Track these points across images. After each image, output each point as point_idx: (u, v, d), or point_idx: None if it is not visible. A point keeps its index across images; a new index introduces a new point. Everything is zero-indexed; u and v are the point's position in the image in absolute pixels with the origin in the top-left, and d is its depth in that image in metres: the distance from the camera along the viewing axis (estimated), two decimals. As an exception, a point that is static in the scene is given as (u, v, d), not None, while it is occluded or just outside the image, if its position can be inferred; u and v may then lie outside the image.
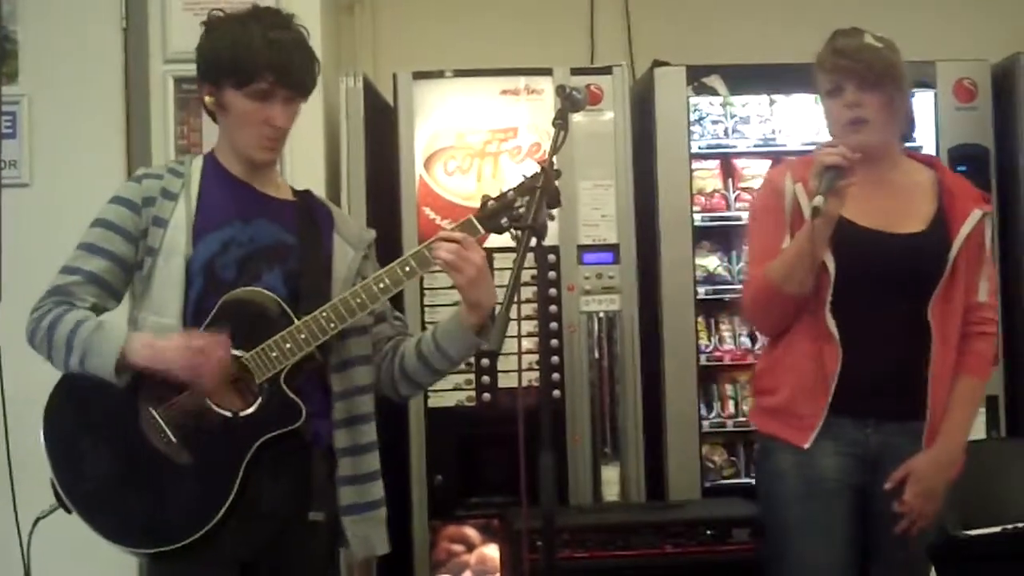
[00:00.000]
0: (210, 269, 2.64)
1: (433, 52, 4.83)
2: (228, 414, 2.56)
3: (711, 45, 4.97)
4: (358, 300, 2.61)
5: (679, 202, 4.37)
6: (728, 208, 4.54)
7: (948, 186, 3.05)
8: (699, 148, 4.50)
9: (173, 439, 2.55)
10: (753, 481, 4.37)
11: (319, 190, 4.06)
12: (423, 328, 3.11)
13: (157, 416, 2.56)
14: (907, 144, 3.16)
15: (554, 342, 4.19)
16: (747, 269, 3.11)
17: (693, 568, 3.70)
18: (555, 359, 4.18)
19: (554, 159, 2.60)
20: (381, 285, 2.62)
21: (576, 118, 2.87)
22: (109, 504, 2.56)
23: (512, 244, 2.60)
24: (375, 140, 4.34)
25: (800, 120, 4.57)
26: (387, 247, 4.10)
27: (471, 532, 4.23)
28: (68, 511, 2.58)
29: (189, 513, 2.53)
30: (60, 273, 2.66)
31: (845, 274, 2.92)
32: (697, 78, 4.42)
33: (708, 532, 3.72)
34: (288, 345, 2.58)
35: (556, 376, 4.18)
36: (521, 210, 2.58)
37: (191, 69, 2.76)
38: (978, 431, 3.43)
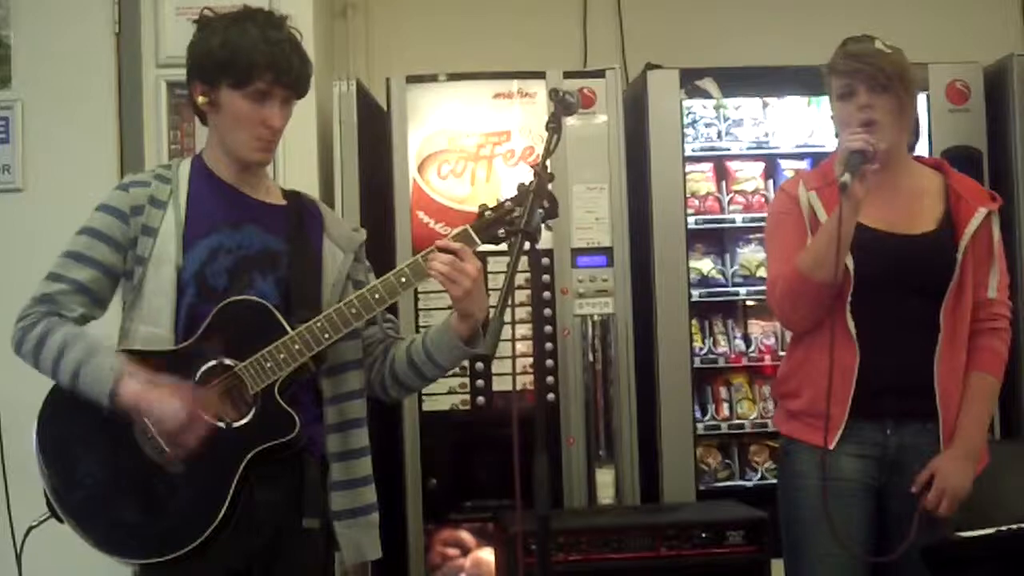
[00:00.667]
0: (201, 278, 2.63)
1: (426, 56, 4.83)
2: (222, 425, 2.55)
3: (704, 48, 4.98)
4: (353, 310, 2.60)
5: (672, 205, 4.37)
6: (722, 211, 4.55)
7: (955, 188, 3.08)
8: (692, 151, 4.50)
9: (166, 448, 2.54)
10: (747, 484, 4.43)
11: (312, 194, 4.08)
12: (416, 331, 3.11)
13: (151, 426, 2.54)
14: (912, 150, 3.19)
15: (548, 345, 4.19)
16: (771, 270, 3.13)
17: (688, 571, 3.69)
18: (549, 362, 4.18)
19: (547, 163, 2.60)
20: (376, 295, 2.61)
21: (569, 121, 2.89)
22: (101, 514, 2.55)
23: (505, 248, 2.59)
24: (368, 144, 4.34)
25: (793, 122, 4.58)
26: (381, 251, 4.10)
27: (466, 535, 4.23)
28: (60, 520, 2.57)
29: (182, 524, 2.52)
30: (46, 280, 2.63)
31: (860, 276, 2.95)
32: (690, 81, 4.42)
33: (703, 535, 3.71)
34: (282, 355, 2.57)
35: (550, 379, 4.18)
36: (517, 220, 2.57)
37: (184, 74, 2.74)
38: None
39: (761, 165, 4.62)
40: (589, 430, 4.22)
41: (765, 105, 4.60)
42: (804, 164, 4.53)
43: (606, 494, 4.20)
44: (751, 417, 4.47)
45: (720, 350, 4.52)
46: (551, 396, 4.17)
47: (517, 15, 5.15)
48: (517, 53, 4.87)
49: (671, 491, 4.29)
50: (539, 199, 2.55)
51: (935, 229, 3.03)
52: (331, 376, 2.72)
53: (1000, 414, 4.26)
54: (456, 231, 2.64)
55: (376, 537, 2.78)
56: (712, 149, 4.57)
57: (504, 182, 4.21)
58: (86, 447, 2.58)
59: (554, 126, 2.62)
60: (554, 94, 2.66)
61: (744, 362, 4.52)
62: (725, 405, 4.51)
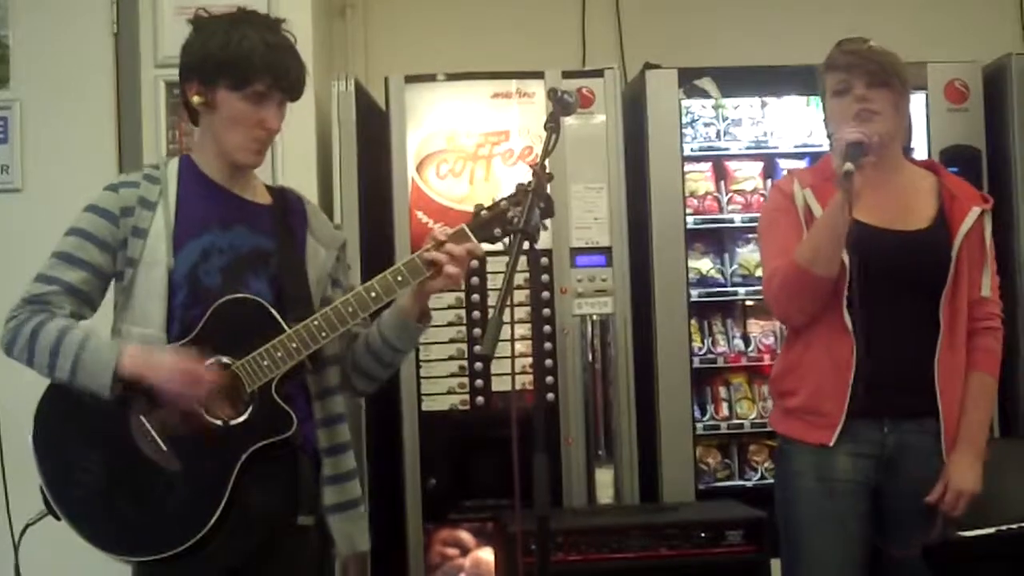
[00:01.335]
0: (194, 278, 2.63)
1: (425, 56, 4.83)
2: (219, 423, 2.56)
3: (702, 48, 4.98)
4: (350, 309, 2.61)
5: (671, 205, 4.37)
6: (720, 210, 4.54)
7: (949, 188, 3.10)
8: (691, 150, 4.50)
9: (163, 446, 2.54)
10: (747, 483, 4.43)
11: (311, 195, 4.07)
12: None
13: (147, 423, 2.55)
14: (906, 152, 3.19)
15: (547, 345, 4.19)
16: (767, 265, 3.13)
17: (687, 570, 3.70)
18: (548, 362, 4.18)
19: (546, 162, 2.60)
20: (373, 294, 2.62)
21: (568, 121, 2.88)
22: (98, 511, 2.55)
23: (505, 248, 2.59)
24: (367, 144, 4.33)
25: (792, 122, 4.57)
26: (380, 250, 4.11)
27: (465, 535, 4.22)
28: (57, 518, 2.57)
29: (179, 521, 2.53)
30: (35, 282, 2.63)
31: (856, 271, 2.95)
32: (689, 80, 4.42)
33: (702, 534, 3.72)
34: (279, 354, 2.57)
35: (549, 379, 4.18)
36: (515, 220, 2.58)
37: (183, 74, 2.75)
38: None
39: (760, 165, 4.62)
40: (588, 430, 4.22)
41: (764, 105, 4.60)
42: (803, 164, 4.52)
43: (605, 494, 4.20)
44: (750, 417, 4.47)
45: (719, 350, 4.52)
46: (550, 396, 4.17)
47: (515, 15, 5.15)
48: (516, 53, 4.88)
49: (670, 491, 4.28)
50: (538, 199, 2.55)
51: (929, 226, 3.04)
52: (315, 372, 2.73)
53: (998, 413, 4.26)
54: (453, 231, 2.65)
55: (366, 529, 2.81)
56: (711, 149, 4.57)
57: (503, 182, 4.21)
58: (82, 444, 2.58)
59: (553, 126, 2.62)
60: (553, 94, 2.66)
61: (743, 362, 4.52)
62: (724, 405, 4.51)
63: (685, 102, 4.45)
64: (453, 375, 4.21)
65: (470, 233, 2.63)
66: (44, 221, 3.79)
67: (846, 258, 2.94)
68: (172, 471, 2.55)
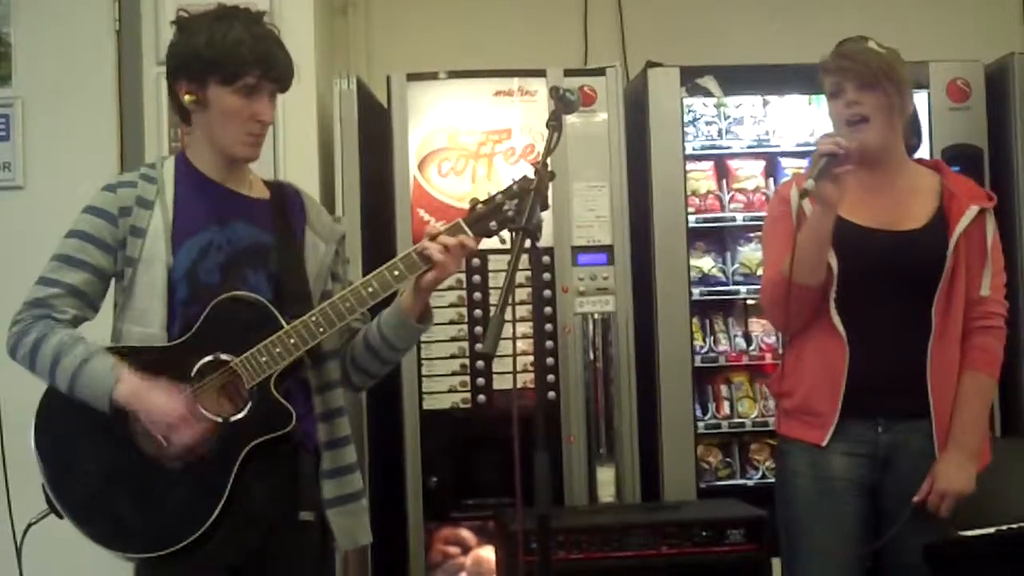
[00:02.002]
0: (193, 276, 2.64)
1: (427, 54, 4.83)
2: (218, 420, 2.56)
3: (705, 46, 4.98)
4: (347, 304, 2.62)
5: (673, 203, 4.37)
6: (722, 209, 4.54)
7: (950, 186, 3.09)
8: (693, 149, 4.49)
9: (164, 443, 2.55)
10: (748, 482, 4.43)
11: (313, 192, 4.07)
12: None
13: (145, 424, 2.55)
14: (911, 150, 3.19)
15: (549, 343, 4.19)
16: (763, 274, 3.17)
17: (688, 569, 3.69)
18: (550, 360, 4.18)
19: (548, 160, 2.60)
20: (370, 289, 2.63)
21: (570, 119, 2.88)
22: (99, 509, 2.56)
23: (507, 246, 2.60)
24: (369, 142, 4.33)
25: (794, 121, 4.57)
26: (381, 248, 4.11)
27: (466, 534, 4.23)
28: (59, 516, 2.58)
29: (180, 518, 2.53)
30: (38, 285, 2.64)
31: (848, 273, 2.97)
32: (691, 79, 4.41)
33: (703, 533, 3.71)
34: (278, 350, 2.58)
35: (551, 377, 4.18)
36: (509, 214, 2.60)
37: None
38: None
39: (762, 163, 4.62)
40: (590, 428, 4.22)
41: (766, 103, 4.60)
42: (805, 163, 4.52)
43: (606, 492, 4.20)
44: (752, 416, 4.47)
45: (721, 348, 4.51)
46: (552, 394, 4.17)
47: (518, 13, 5.15)
48: (518, 51, 4.87)
49: (671, 489, 4.28)
50: (540, 197, 2.55)
51: (924, 225, 3.04)
52: (315, 367, 2.74)
53: (1000, 413, 4.26)
54: (448, 225, 2.66)
55: (367, 522, 2.81)
56: (713, 147, 4.56)
57: (505, 180, 4.16)
58: (84, 443, 2.59)
59: (555, 124, 2.62)
60: (555, 92, 2.67)
61: (745, 360, 4.52)
62: (726, 403, 4.51)
63: (687, 100, 4.44)
64: (454, 373, 4.21)
65: (465, 227, 2.65)
66: (46, 219, 3.80)
67: (833, 261, 2.95)
68: (173, 468, 2.55)
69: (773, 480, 3.28)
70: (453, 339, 4.21)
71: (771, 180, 4.57)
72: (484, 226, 2.64)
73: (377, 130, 4.35)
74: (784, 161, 4.57)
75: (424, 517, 4.20)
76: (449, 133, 4.27)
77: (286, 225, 2.77)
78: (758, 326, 4.54)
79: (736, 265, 4.56)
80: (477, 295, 4.21)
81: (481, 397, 4.21)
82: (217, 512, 2.53)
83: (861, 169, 2.96)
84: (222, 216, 2.70)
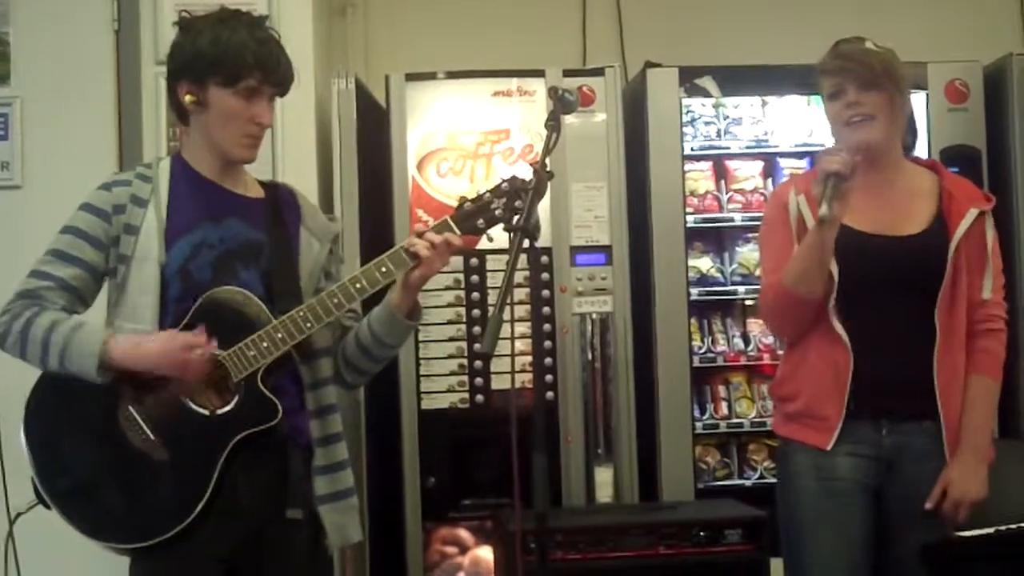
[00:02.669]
0: (185, 272, 2.67)
1: (425, 54, 4.83)
2: (205, 412, 2.59)
3: (703, 46, 4.98)
4: (335, 300, 2.65)
5: (671, 203, 4.37)
6: (721, 209, 4.54)
7: (948, 188, 3.09)
8: (691, 149, 4.50)
9: (151, 436, 2.58)
10: (746, 483, 4.43)
11: (311, 193, 4.07)
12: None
13: (135, 413, 2.59)
14: (907, 151, 3.19)
15: (547, 344, 4.18)
16: (762, 279, 3.17)
17: (686, 569, 3.69)
18: (548, 360, 4.17)
19: (547, 161, 2.60)
20: (358, 286, 2.66)
21: (568, 119, 2.88)
22: (87, 500, 2.59)
23: (505, 246, 2.60)
24: (367, 142, 4.33)
25: (792, 121, 4.57)
26: (379, 249, 4.08)
27: (464, 534, 4.23)
28: (47, 507, 2.60)
29: (166, 509, 2.56)
30: (29, 277, 2.67)
31: (850, 278, 2.97)
32: (689, 79, 4.41)
33: (701, 534, 3.71)
34: (265, 344, 2.61)
35: (549, 378, 4.17)
36: (497, 212, 2.63)
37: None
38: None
39: (760, 164, 4.62)
40: (588, 428, 4.22)
41: (764, 104, 4.60)
42: (803, 163, 4.53)
43: (605, 493, 4.20)
44: (750, 416, 4.47)
45: (719, 349, 4.52)
46: (550, 394, 4.17)
47: (516, 13, 5.15)
48: (516, 51, 4.87)
49: (670, 490, 4.28)
50: (539, 197, 2.56)
51: (925, 229, 3.04)
52: (308, 363, 2.76)
53: (999, 414, 4.25)
54: (436, 222, 2.69)
55: (357, 520, 2.83)
56: (711, 148, 4.57)
57: (503, 181, 4.20)
58: (72, 435, 2.62)
59: (553, 124, 2.63)
60: (553, 92, 2.68)
61: (743, 361, 4.52)
62: (724, 404, 4.51)
63: (686, 101, 4.45)
64: (453, 373, 4.21)
65: (452, 225, 2.67)
66: (44, 218, 3.79)
67: (834, 269, 2.95)
68: (160, 460, 2.58)
69: (771, 480, 3.29)
70: (451, 339, 4.21)
71: (769, 180, 4.58)
72: (472, 224, 2.67)
73: (376, 130, 4.35)
74: (783, 162, 4.58)
75: (422, 517, 4.20)
76: (448, 133, 4.27)
77: (280, 224, 2.79)
78: (756, 326, 4.54)
79: (734, 265, 4.56)
80: (475, 295, 4.21)
81: (479, 397, 4.21)
82: (202, 505, 2.55)
83: (860, 169, 2.95)
84: (216, 214, 2.73)
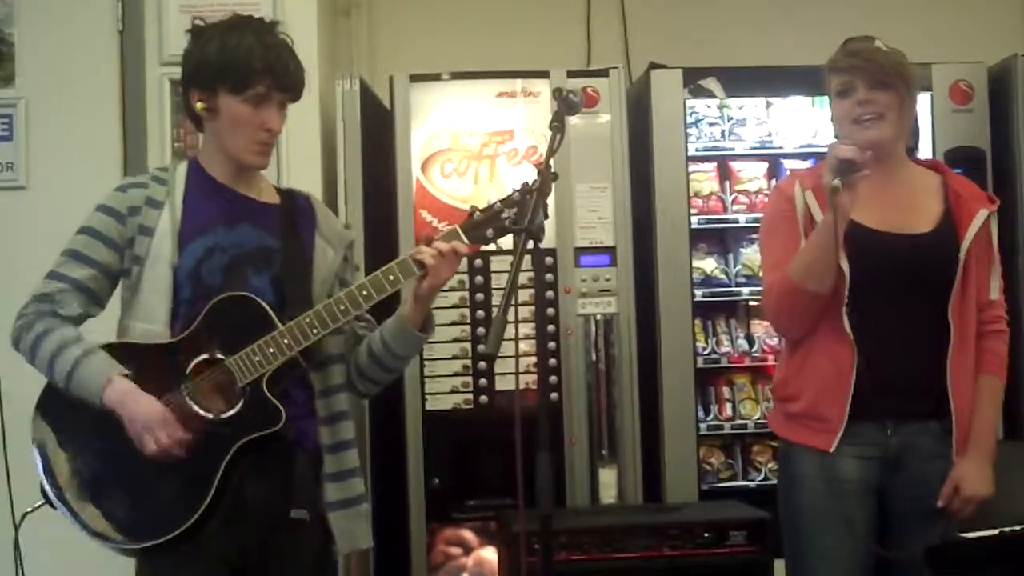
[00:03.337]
0: (196, 275, 2.68)
1: (429, 55, 4.83)
2: (210, 415, 2.60)
3: (707, 47, 4.98)
4: (341, 307, 2.65)
5: (676, 205, 4.37)
6: (725, 211, 4.54)
7: (954, 187, 3.09)
8: (696, 150, 4.50)
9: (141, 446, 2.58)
10: (750, 484, 4.43)
11: (316, 193, 4.07)
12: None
13: (128, 428, 2.58)
14: (910, 152, 3.19)
15: (551, 344, 4.19)
16: (765, 277, 3.14)
17: (690, 571, 3.69)
18: (552, 361, 4.18)
19: (551, 162, 2.60)
20: (364, 293, 2.66)
21: (572, 121, 2.88)
22: (91, 501, 2.60)
23: (509, 247, 2.60)
24: (372, 143, 4.33)
25: (796, 122, 4.57)
26: (383, 249, 4.11)
27: (468, 534, 4.23)
28: (54, 507, 2.62)
29: (169, 511, 2.57)
30: (46, 279, 2.69)
31: (859, 276, 2.95)
32: (693, 80, 4.42)
33: (705, 535, 3.71)
34: (271, 350, 2.62)
35: (553, 378, 4.18)
36: (507, 222, 2.63)
37: (188, 72, 2.77)
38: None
39: (764, 165, 4.61)
40: (592, 429, 4.22)
41: (769, 105, 4.60)
42: (808, 164, 4.52)
43: (608, 494, 4.20)
44: (754, 417, 4.47)
45: (723, 350, 4.51)
46: (554, 395, 4.17)
47: (521, 14, 5.15)
48: (521, 52, 4.87)
49: (674, 491, 4.28)
50: (543, 198, 2.56)
51: (935, 228, 3.03)
52: (319, 370, 2.77)
53: (1004, 416, 4.24)
54: (445, 231, 2.69)
55: (367, 526, 2.83)
56: (715, 149, 4.56)
57: (507, 181, 4.21)
58: (79, 436, 2.63)
59: (557, 125, 2.63)
60: (558, 93, 2.67)
61: (747, 362, 4.52)
62: (728, 405, 4.51)
63: (690, 102, 4.45)
64: (457, 374, 4.22)
65: (462, 233, 2.67)
66: (48, 218, 3.82)
67: (845, 265, 2.93)
68: (164, 463, 2.58)
69: (776, 482, 3.27)
70: (455, 340, 4.21)
71: (774, 182, 4.57)
72: (480, 233, 2.67)
73: (380, 131, 4.35)
74: (787, 163, 4.57)
75: (426, 518, 4.20)
76: (452, 134, 4.27)
77: (294, 230, 2.79)
78: (760, 327, 4.54)
79: (739, 267, 4.56)
80: (479, 296, 4.21)
81: (483, 398, 4.22)
82: (204, 506, 2.56)
83: (871, 170, 2.94)
84: (229, 219, 2.74)
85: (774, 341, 4.47)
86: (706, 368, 4.46)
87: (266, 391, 2.61)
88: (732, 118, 4.58)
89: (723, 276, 4.54)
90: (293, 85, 2.75)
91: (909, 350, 2.98)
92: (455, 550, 4.22)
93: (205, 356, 2.63)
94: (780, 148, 4.57)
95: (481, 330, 4.20)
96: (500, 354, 2.45)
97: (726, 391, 4.53)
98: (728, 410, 4.50)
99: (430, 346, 4.16)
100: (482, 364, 4.20)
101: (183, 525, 2.55)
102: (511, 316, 2.44)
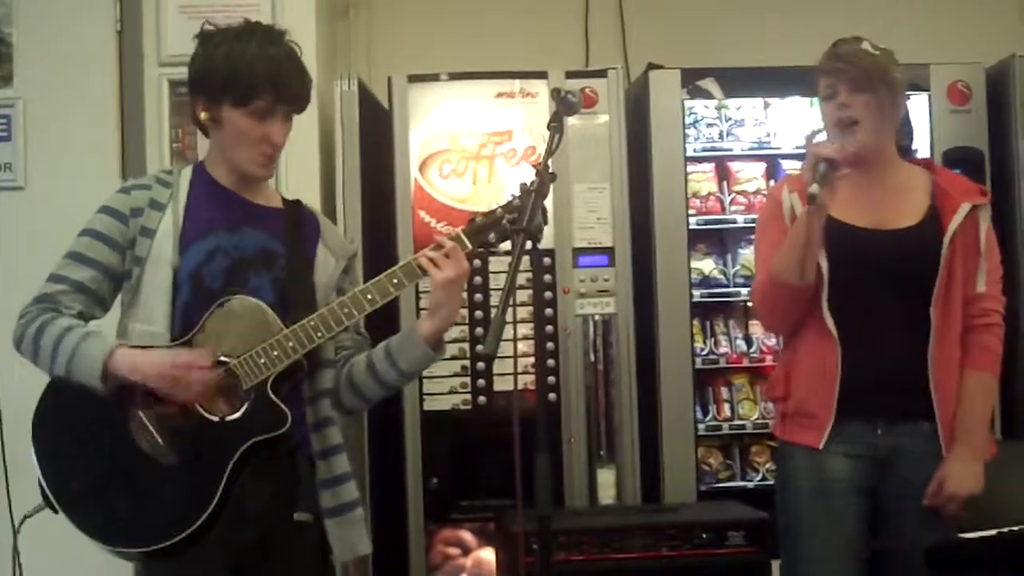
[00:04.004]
0: (197, 278, 2.67)
1: (428, 55, 4.83)
2: (215, 419, 2.59)
3: (706, 48, 4.98)
4: (345, 310, 2.64)
5: (674, 205, 4.37)
6: (723, 211, 4.54)
7: (941, 184, 3.10)
8: (694, 151, 4.50)
9: (160, 441, 2.58)
10: (748, 484, 4.43)
11: (314, 194, 4.08)
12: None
13: (145, 418, 2.58)
14: (904, 151, 3.20)
15: (550, 345, 4.18)
16: (755, 277, 3.18)
17: (689, 571, 3.69)
18: (551, 362, 4.18)
19: (549, 162, 2.60)
20: (369, 296, 2.65)
21: (571, 121, 2.89)
22: (94, 504, 2.58)
23: (508, 248, 2.60)
24: (370, 144, 4.33)
25: (795, 123, 4.57)
26: (382, 250, 4.12)
27: (467, 535, 4.23)
28: (55, 510, 2.60)
29: (173, 515, 2.55)
30: (48, 281, 2.69)
31: (841, 273, 2.98)
32: (692, 81, 4.42)
33: (704, 535, 3.71)
34: (276, 352, 2.61)
35: (552, 379, 4.18)
36: (508, 226, 2.62)
37: (186, 72, 2.76)
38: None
39: (763, 166, 4.62)
40: (590, 430, 4.22)
41: (767, 105, 4.60)
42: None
43: (607, 494, 4.20)
44: (752, 418, 4.47)
45: (721, 350, 4.52)
46: (552, 396, 4.17)
47: (519, 14, 5.15)
48: (519, 53, 4.88)
49: (672, 491, 4.29)
50: (541, 198, 2.56)
51: (917, 223, 3.04)
52: (310, 376, 2.75)
53: (1000, 414, 4.26)
54: (449, 235, 2.69)
55: (364, 532, 2.81)
56: (714, 149, 4.57)
57: (506, 182, 4.21)
58: (81, 439, 2.62)
59: (556, 126, 2.63)
60: (556, 94, 2.67)
61: (745, 363, 4.52)
62: (726, 405, 4.51)
63: (688, 102, 4.45)
64: (455, 375, 4.21)
65: (465, 238, 2.67)
66: (47, 219, 3.82)
67: (824, 263, 2.96)
68: (168, 465, 2.57)
69: (773, 482, 3.28)
70: (454, 340, 4.20)
71: (772, 182, 4.57)
72: (483, 237, 2.67)
73: (378, 132, 4.35)
74: (785, 163, 4.57)
75: (425, 518, 4.20)
76: (450, 135, 4.27)
77: (298, 235, 2.79)
78: (759, 328, 4.54)
79: (737, 267, 4.56)
80: (478, 296, 4.21)
81: (482, 398, 4.22)
82: (209, 511, 2.54)
83: (852, 169, 2.96)
84: (232, 222, 2.73)
85: (772, 342, 4.47)
86: (704, 369, 4.46)
87: (271, 394, 2.61)
88: (730, 119, 4.59)
89: (721, 277, 4.55)
90: (297, 97, 2.73)
91: (893, 347, 2.99)
92: (453, 551, 4.22)
93: (206, 354, 2.60)
94: (778, 148, 4.57)
95: (479, 330, 4.20)
96: (498, 354, 2.45)
97: (724, 392, 4.53)
98: (726, 410, 4.50)
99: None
100: (480, 364, 4.20)
101: (188, 529, 2.53)
102: (509, 316, 2.44)
